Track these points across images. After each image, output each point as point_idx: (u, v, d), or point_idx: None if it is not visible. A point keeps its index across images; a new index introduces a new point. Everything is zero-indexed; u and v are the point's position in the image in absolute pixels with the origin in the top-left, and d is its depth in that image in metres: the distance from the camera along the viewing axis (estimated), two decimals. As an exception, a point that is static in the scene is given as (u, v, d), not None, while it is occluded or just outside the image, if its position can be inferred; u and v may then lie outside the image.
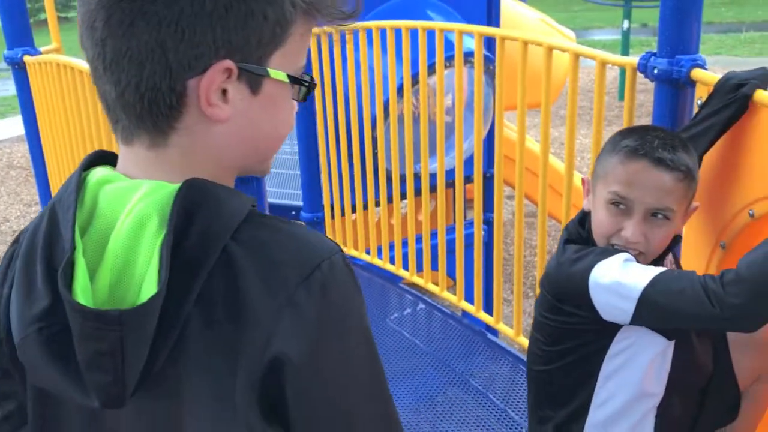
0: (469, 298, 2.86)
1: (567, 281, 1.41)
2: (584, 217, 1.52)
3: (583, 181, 1.53)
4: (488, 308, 2.88)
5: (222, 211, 0.74)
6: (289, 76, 0.79)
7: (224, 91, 0.75)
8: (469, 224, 2.91)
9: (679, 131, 1.63)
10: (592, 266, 1.36)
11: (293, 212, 3.57)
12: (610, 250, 1.40)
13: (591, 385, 1.46)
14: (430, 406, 2.40)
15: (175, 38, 0.72)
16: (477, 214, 2.68)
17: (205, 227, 0.73)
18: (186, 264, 0.71)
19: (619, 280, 1.33)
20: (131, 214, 0.73)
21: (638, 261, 1.40)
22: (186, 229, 0.72)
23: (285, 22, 0.76)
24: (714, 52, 12.56)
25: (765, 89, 1.53)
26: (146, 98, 0.74)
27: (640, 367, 1.43)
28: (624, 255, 1.38)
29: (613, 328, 1.41)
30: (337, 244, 0.78)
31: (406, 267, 3.13)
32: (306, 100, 0.84)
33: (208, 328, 0.72)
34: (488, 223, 3.05)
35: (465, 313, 3.01)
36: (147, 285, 0.71)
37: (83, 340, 0.71)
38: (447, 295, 2.96)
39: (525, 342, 2.55)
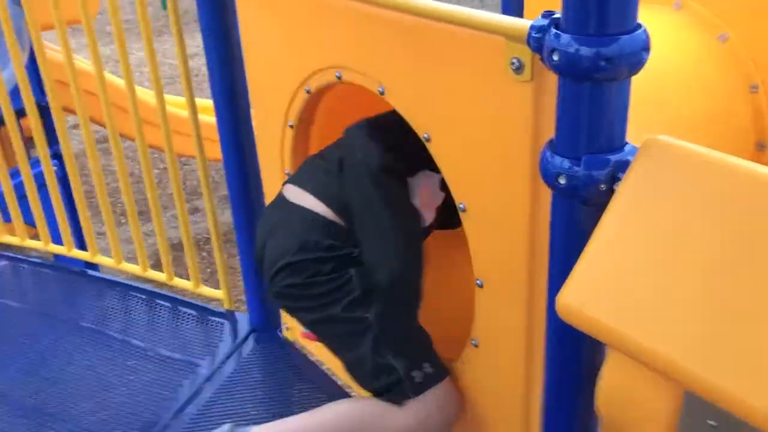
0: (58, 240, 2.64)
1: None
2: None
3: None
4: (82, 245, 2.69)
5: None
6: None
7: None
8: (36, 162, 2.64)
9: None
10: None
11: None
12: None
13: None
14: (43, 363, 2.20)
15: None
16: (41, 148, 2.44)
17: None
18: None
19: None
20: None
21: None
22: None
23: None
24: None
25: None
26: None
27: None
28: None
29: None
30: None
31: (-28, 226, 2.74)
32: None
33: None
34: (58, 157, 2.79)
35: (58, 257, 2.78)
36: None
37: None
38: (30, 243, 2.69)
39: (129, 268, 2.48)
